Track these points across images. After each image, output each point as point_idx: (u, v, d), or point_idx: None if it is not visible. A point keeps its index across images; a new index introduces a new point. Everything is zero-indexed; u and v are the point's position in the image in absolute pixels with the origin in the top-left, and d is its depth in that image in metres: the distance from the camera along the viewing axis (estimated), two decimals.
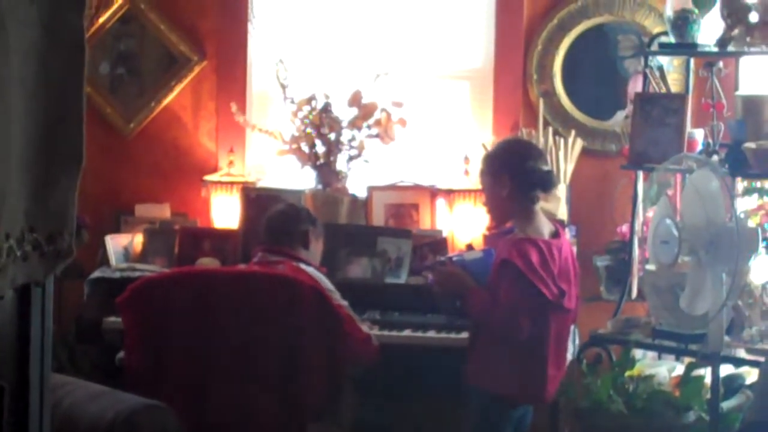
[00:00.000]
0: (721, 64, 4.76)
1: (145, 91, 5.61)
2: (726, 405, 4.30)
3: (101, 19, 5.54)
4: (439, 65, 5.59)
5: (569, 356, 4.39)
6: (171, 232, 5.30)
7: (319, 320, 4.16)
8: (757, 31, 4.52)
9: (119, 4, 5.56)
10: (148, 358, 4.25)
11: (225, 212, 5.39)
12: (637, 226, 4.89)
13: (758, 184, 4.81)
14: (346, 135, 5.32)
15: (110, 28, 5.57)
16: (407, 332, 4.83)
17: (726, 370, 4.41)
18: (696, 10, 4.69)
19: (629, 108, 5.22)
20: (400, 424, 5.10)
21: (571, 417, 4.53)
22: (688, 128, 4.72)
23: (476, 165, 4.95)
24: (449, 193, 5.34)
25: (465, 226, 5.28)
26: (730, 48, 4.59)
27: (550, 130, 5.30)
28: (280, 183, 5.50)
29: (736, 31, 4.55)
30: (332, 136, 5.30)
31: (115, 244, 5.26)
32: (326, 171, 5.33)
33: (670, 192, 4.88)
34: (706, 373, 4.35)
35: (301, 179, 5.42)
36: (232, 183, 5.40)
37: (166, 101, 5.60)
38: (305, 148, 5.32)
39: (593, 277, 5.13)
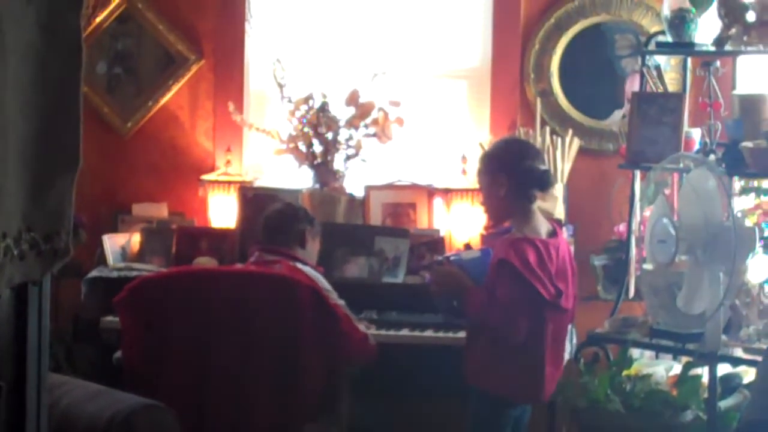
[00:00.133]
0: (718, 63, 4.76)
1: (143, 91, 5.61)
2: (723, 404, 4.30)
3: (98, 19, 5.54)
4: (436, 64, 5.59)
5: (567, 355, 4.39)
6: (168, 232, 5.30)
7: (316, 320, 4.16)
8: (754, 30, 4.52)
9: (116, 3, 5.56)
10: (145, 357, 4.25)
11: (222, 212, 5.39)
12: (635, 226, 4.89)
13: (755, 183, 4.81)
14: (343, 134, 5.31)
15: (107, 28, 5.57)
16: (404, 332, 4.83)
17: (723, 369, 4.41)
18: (693, 10, 4.69)
19: (626, 107, 5.22)
20: (397, 424, 5.10)
21: (568, 416, 4.53)
22: (686, 127, 4.72)
23: (473, 164, 4.95)
24: (446, 192, 5.34)
25: (462, 225, 5.28)
26: (728, 47, 4.59)
27: (548, 129, 5.30)
28: (278, 182, 5.50)
29: (733, 31, 4.55)
30: (329, 135, 5.30)
31: (113, 243, 5.26)
32: (323, 170, 5.33)
33: (667, 191, 4.88)
34: (703, 372, 4.35)
35: (299, 178, 5.42)
36: (229, 182, 5.40)
37: (163, 101, 5.60)
38: (302, 147, 5.32)
39: (590, 276, 5.13)
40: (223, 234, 5.28)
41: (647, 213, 4.71)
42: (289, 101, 5.34)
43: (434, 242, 5.18)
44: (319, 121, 5.29)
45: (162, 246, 5.27)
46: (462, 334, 4.43)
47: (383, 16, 5.60)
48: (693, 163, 4.42)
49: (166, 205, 5.53)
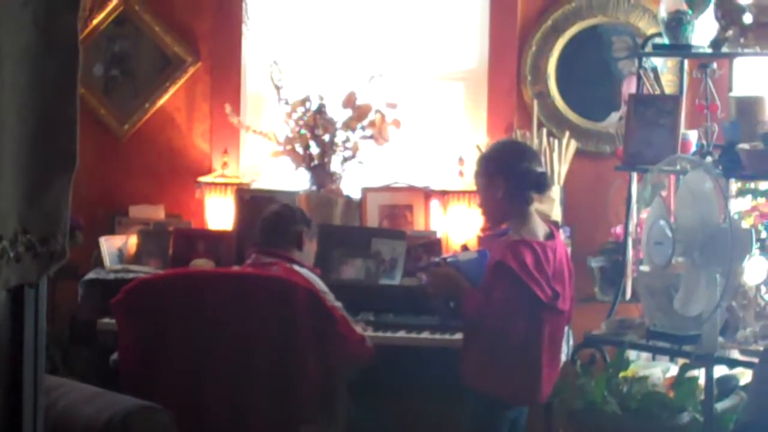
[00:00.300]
0: (715, 65, 4.76)
1: (139, 93, 5.61)
2: (720, 406, 4.30)
3: (95, 21, 5.54)
4: (433, 66, 5.59)
5: (563, 357, 4.39)
6: (165, 234, 5.30)
7: (313, 322, 4.16)
8: (750, 32, 4.52)
9: (113, 5, 5.56)
10: (142, 359, 4.25)
11: (219, 214, 5.39)
12: (631, 227, 4.89)
13: (752, 185, 4.81)
14: (340, 136, 5.31)
15: (104, 30, 5.57)
16: (401, 333, 4.83)
17: (720, 371, 4.41)
18: (690, 12, 4.69)
19: (623, 109, 5.23)
20: (394, 425, 5.10)
21: (565, 418, 4.52)
22: (682, 129, 4.72)
23: (470, 166, 4.96)
24: (443, 194, 5.34)
25: (459, 227, 5.28)
26: (724, 49, 4.59)
27: (545, 131, 5.30)
28: (275, 184, 5.50)
29: (729, 33, 4.55)
30: (326, 137, 5.30)
31: (110, 245, 5.26)
32: (320, 172, 5.33)
33: (664, 193, 4.88)
34: (700, 374, 4.35)
35: (296, 180, 5.42)
36: (226, 184, 5.40)
37: (160, 103, 5.60)
38: (299, 149, 5.32)
39: (587, 278, 5.13)
40: (220, 236, 5.28)
41: (644, 215, 4.72)
42: (286, 103, 5.34)
43: (431, 244, 5.18)
44: (316, 123, 5.29)
45: (159, 248, 5.27)
46: (459, 336, 4.43)
47: (380, 18, 5.60)
48: (690, 165, 4.42)
49: (162, 207, 5.53)
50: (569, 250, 4.48)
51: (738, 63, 4.97)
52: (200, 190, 5.43)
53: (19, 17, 1.99)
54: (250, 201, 5.26)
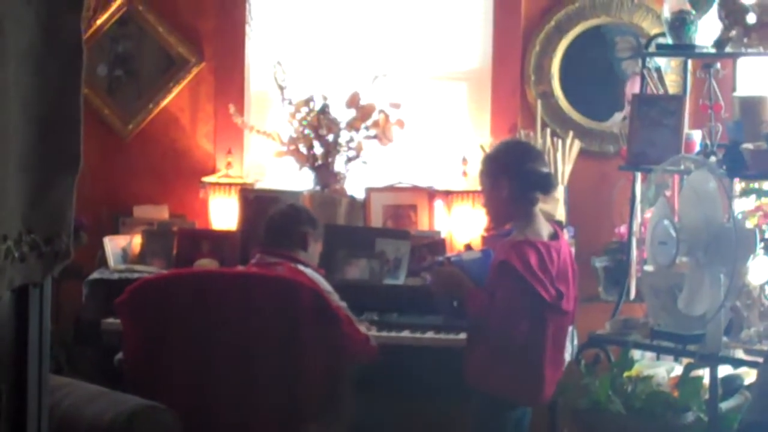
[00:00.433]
0: (718, 65, 4.76)
1: (143, 93, 5.61)
2: (724, 406, 4.30)
3: (99, 21, 5.54)
4: (436, 66, 5.59)
5: (568, 357, 4.39)
6: (169, 234, 5.30)
7: (318, 321, 4.16)
8: (754, 32, 4.52)
9: (117, 5, 5.56)
10: (146, 359, 4.25)
11: (223, 214, 5.39)
12: (635, 227, 4.89)
13: (756, 185, 4.81)
14: (344, 136, 5.32)
15: (108, 30, 5.57)
16: (405, 333, 4.83)
17: (724, 370, 4.41)
18: (693, 12, 4.69)
19: (627, 109, 5.22)
20: (398, 425, 5.10)
21: (569, 418, 4.52)
22: (686, 129, 4.72)
23: (474, 166, 4.96)
24: (447, 194, 5.34)
25: (463, 227, 5.28)
26: (728, 49, 4.59)
27: (548, 131, 5.30)
28: (279, 184, 5.50)
29: (733, 33, 4.55)
30: (330, 137, 5.30)
31: (114, 245, 5.26)
32: (324, 172, 5.33)
33: (668, 193, 4.88)
34: (704, 373, 4.34)
35: (300, 180, 5.42)
36: (230, 184, 5.40)
37: (164, 103, 5.60)
38: (303, 149, 5.32)
39: (591, 278, 5.13)
40: (224, 236, 5.28)
41: (648, 215, 4.71)
42: (290, 103, 5.34)
43: (435, 244, 5.18)
44: (320, 123, 5.29)
45: (163, 248, 5.27)
46: (463, 336, 4.43)
47: (384, 18, 5.60)
48: (694, 164, 4.42)
49: (167, 207, 5.53)
50: (573, 250, 4.48)
51: (741, 63, 4.97)
52: (204, 190, 5.43)
53: (22, 17, 1.99)
54: (254, 201, 5.26)
